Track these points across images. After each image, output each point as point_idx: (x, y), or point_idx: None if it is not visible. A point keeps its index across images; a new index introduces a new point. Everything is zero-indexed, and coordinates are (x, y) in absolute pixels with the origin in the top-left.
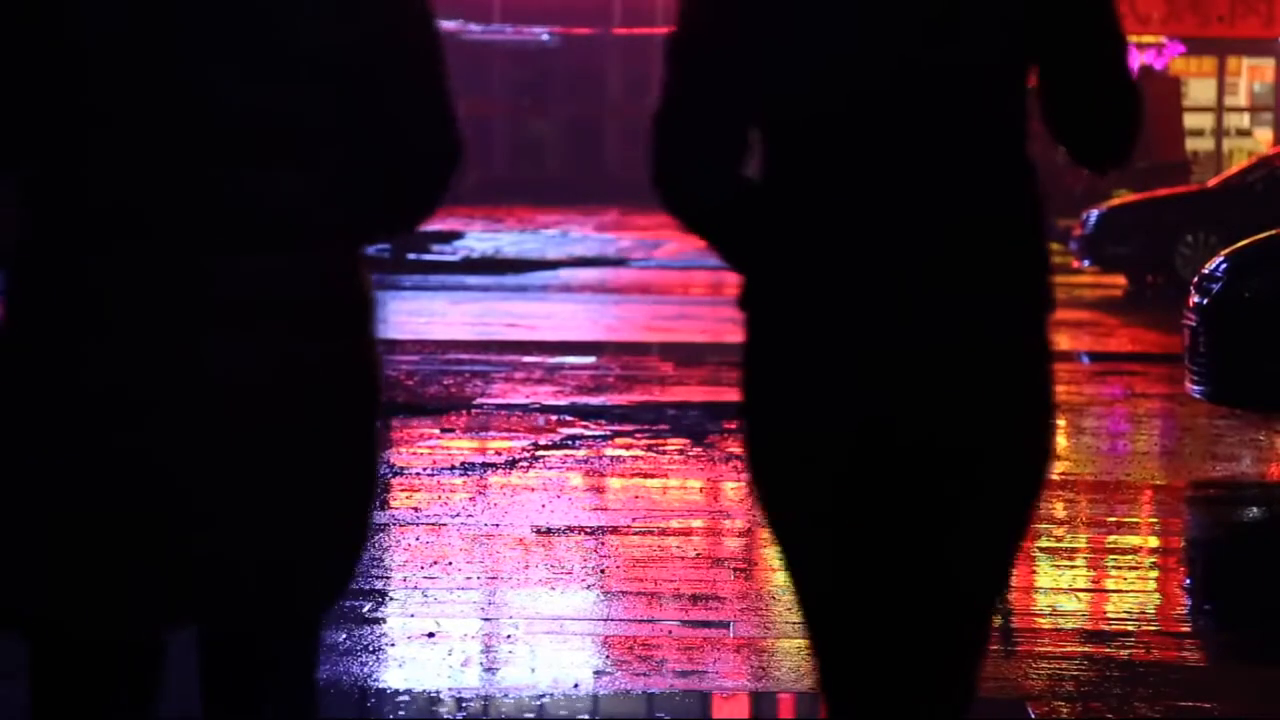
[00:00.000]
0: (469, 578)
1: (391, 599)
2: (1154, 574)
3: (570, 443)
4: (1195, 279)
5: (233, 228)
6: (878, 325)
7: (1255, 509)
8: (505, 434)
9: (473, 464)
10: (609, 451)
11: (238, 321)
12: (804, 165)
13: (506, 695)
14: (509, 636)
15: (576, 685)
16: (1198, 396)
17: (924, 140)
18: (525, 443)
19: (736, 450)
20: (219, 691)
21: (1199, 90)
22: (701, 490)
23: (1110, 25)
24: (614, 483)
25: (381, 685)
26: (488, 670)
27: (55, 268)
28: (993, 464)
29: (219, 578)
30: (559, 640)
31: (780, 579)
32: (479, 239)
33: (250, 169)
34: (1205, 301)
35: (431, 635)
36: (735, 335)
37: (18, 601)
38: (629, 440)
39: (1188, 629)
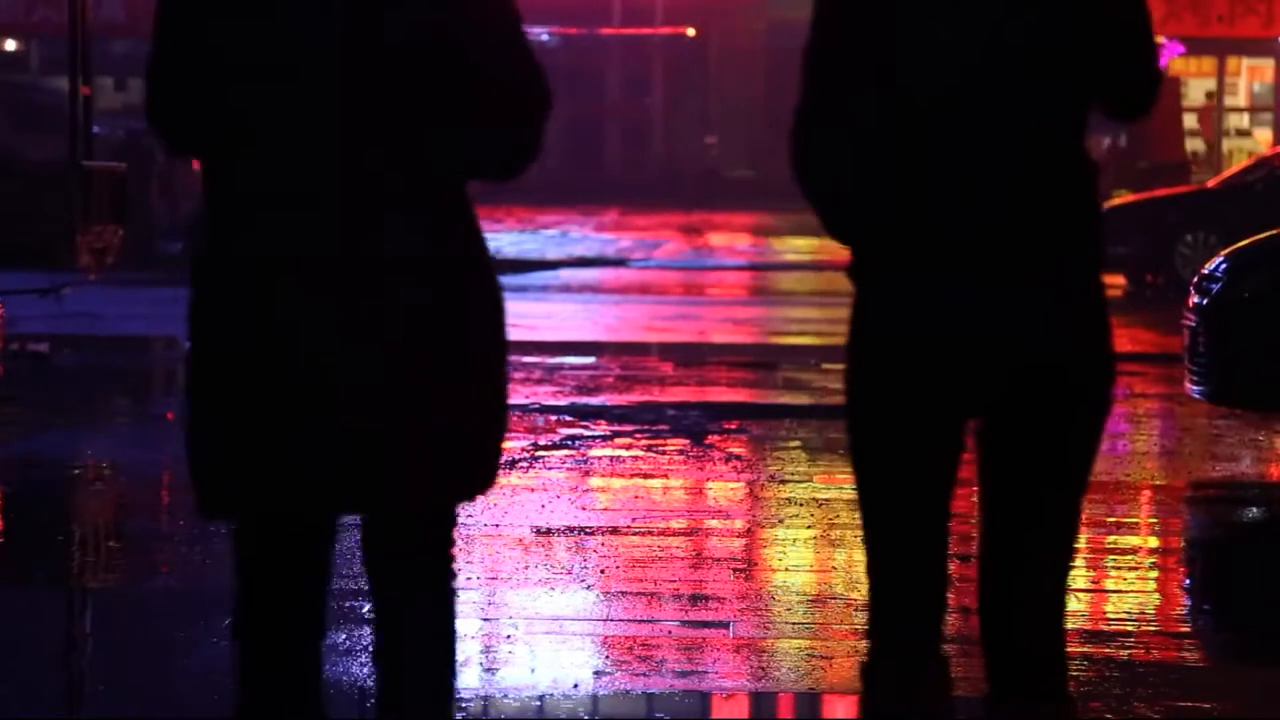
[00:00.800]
0: (469, 578)
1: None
2: (1154, 574)
3: (570, 443)
4: (1195, 279)
5: (376, 196)
6: (964, 287)
7: (1255, 509)
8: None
9: None
10: (609, 451)
11: (390, 266)
12: (914, 155)
13: (506, 695)
14: (509, 636)
15: (576, 685)
16: (1197, 396)
17: (1013, 127)
18: (525, 443)
19: (737, 450)
20: (378, 568)
21: (1199, 90)
22: (701, 490)
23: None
24: (614, 483)
25: None
26: (488, 670)
27: (240, 230)
28: (1077, 384)
29: (381, 474)
30: (559, 640)
31: (780, 579)
32: None
33: (382, 146)
34: (1205, 301)
35: None
36: (735, 335)
37: (229, 495)
38: (629, 440)
39: (1188, 629)
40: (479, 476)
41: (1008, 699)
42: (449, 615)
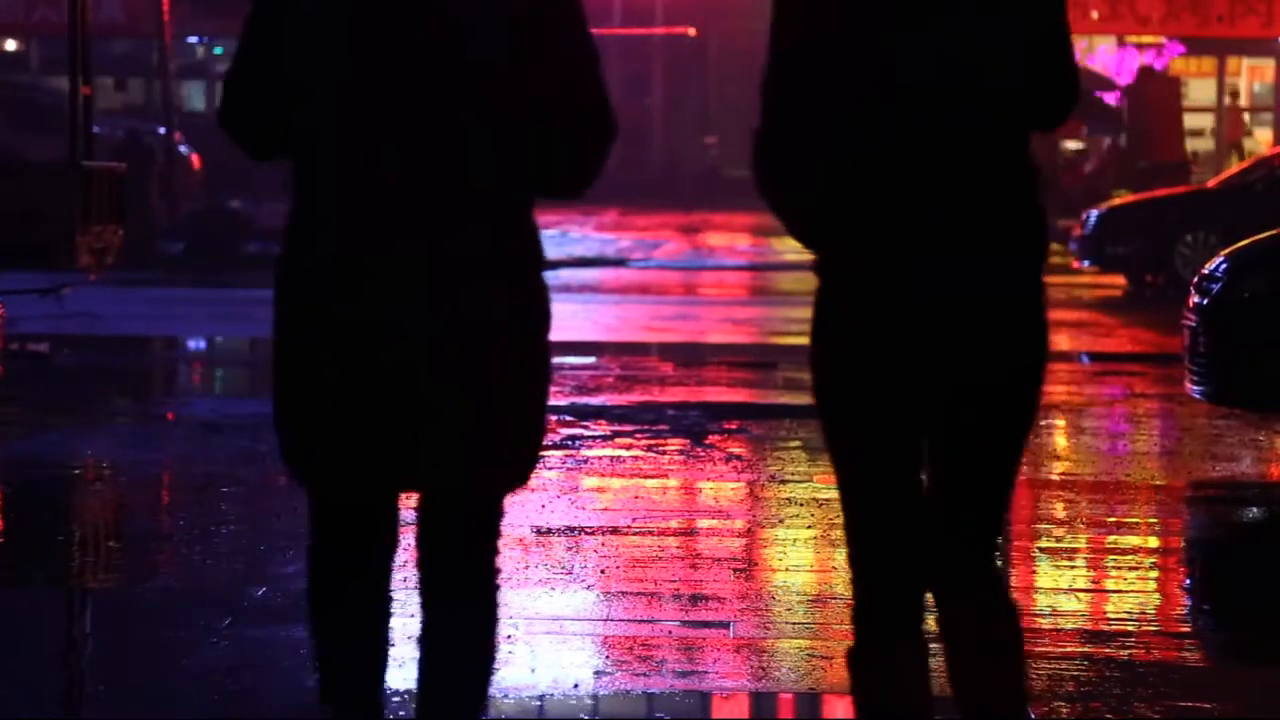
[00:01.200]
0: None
1: (391, 599)
2: (1154, 574)
3: (570, 443)
4: (1195, 279)
5: (454, 204)
6: (920, 279)
7: (1255, 509)
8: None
9: None
10: (609, 451)
11: (456, 268)
12: (863, 163)
13: (506, 695)
14: (509, 636)
15: (576, 685)
16: (1198, 396)
17: (952, 140)
18: None
19: (737, 450)
20: (431, 544)
21: (1199, 90)
22: (701, 490)
23: (1060, 22)
24: (614, 483)
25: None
26: None
27: (326, 229)
28: (1015, 367)
29: (446, 458)
30: (559, 640)
31: (780, 579)
32: None
33: (460, 160)
34: (1205, 301)
35: None
36: (735, 335)
37: (309, 475)
38: (629, 440)
39: (1188, 629)
40: (527, 466)
41: (947, 592)
42: (492, 594)
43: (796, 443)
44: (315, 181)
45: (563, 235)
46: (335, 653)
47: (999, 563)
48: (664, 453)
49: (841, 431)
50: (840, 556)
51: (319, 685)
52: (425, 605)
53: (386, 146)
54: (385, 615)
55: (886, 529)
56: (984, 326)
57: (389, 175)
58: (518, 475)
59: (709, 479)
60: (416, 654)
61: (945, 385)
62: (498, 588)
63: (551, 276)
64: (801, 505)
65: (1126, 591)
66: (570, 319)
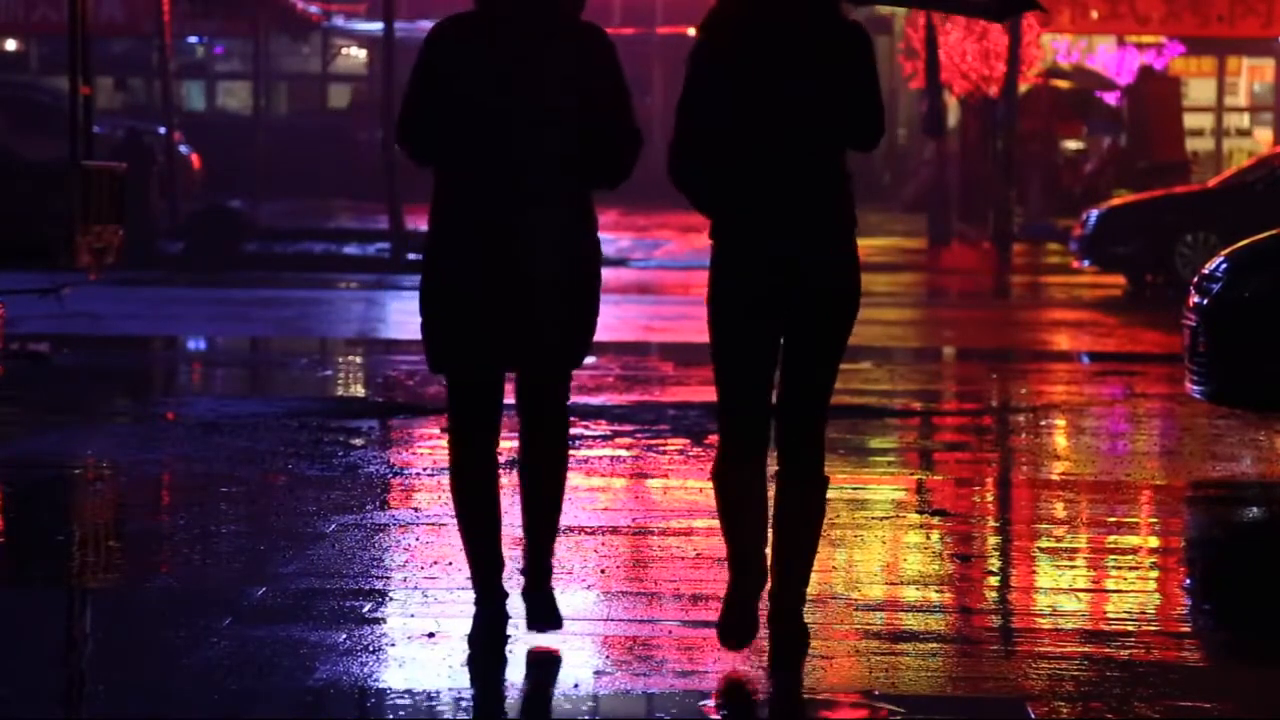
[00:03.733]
0: (469, 578)
1: (391, 599)
2: (1154, 574)
3: (570, 443)
4: (1195, 279)
5: (540, 191)
6: (772, 241)
7: (1255, 509)
8: (505, 434)
9: None
10: (609, 451)
11: (547, 225)
12: (731, 163)
13: (506, 695)
14: (509, 636)
15: (576, 685)
16: (1198, 396)
17: (792, 152)
18: None
19: None
20: (526, 405)
21: (1199, 90)
22: (702, 490)
23: (870, 80)
24: (614, 483)
25: (381, 685)
26: (488, 670)
27: (461, 206)
28: (833, 301)
29: (534, 348)
30: (559, 640)
31: None
32: None
33: (544, 163)
34: (1205, 301)
35: (431, 635)
36: None
37: (446, 359)
38: (629, 440)
39: (1188, 629)
40: (584, 354)
41: (787, 465)
42: (566, 429)
43: None
44: (461, 177)
45: None
46: (469, 503)
47: (825, 433)
48: (664, 453)
49: (718, 327)
50: (840, 556)
51: (459, 521)
52: (524, 440)
53: (503, 154)
54: (496, 477)
55: (745, 392)
56: (813, 274)
57: (505, 172)
58: (579, 359)
59: (709, 479)
60: (415, 655)
61: (790, 305)
62: (570, 424)
63: None
64: None
65: (1126, 591)
66: None
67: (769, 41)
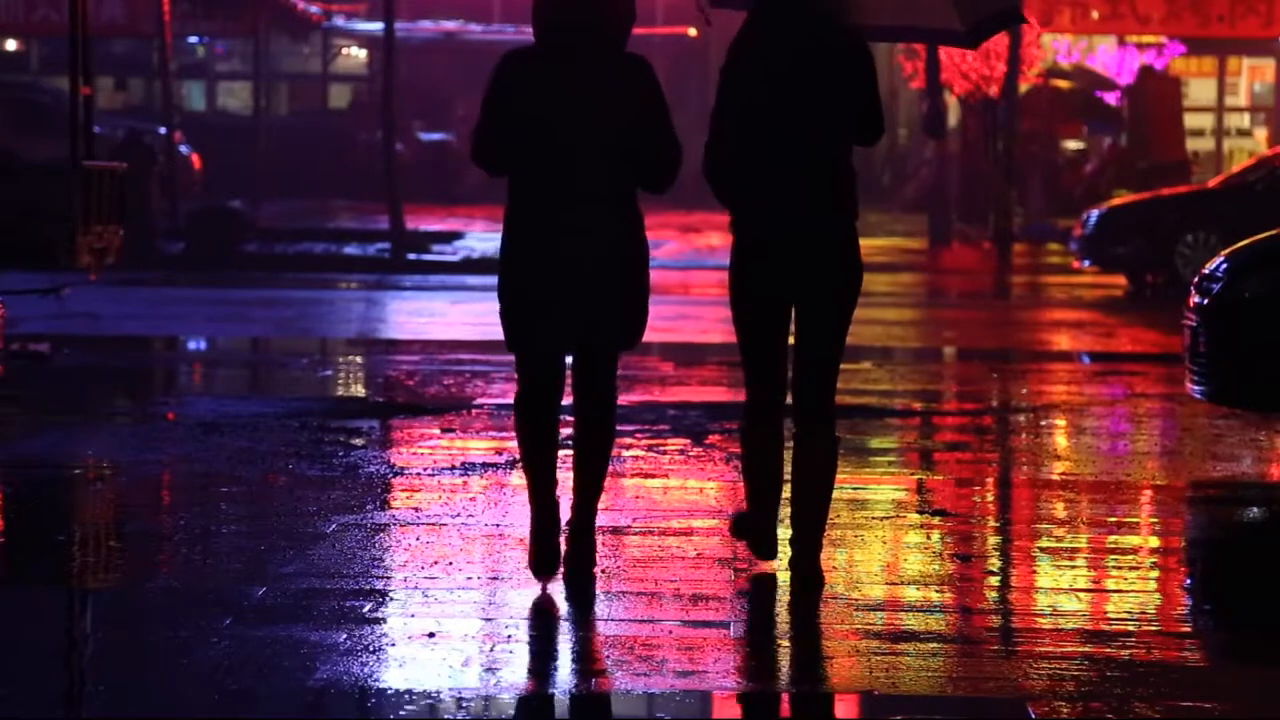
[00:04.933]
0: (469, 578)
1: (391, 599)
2: (1154, 574)
3: (570, 443)
4: (1195, 279)
5: (596, 196)
6: (787, 221)
7: (1255, 509)
8: (506, 434)
9: (473, 464)
10: None
11: (602, 227)
12: (751, 163)
13: (507, 695)
14: (509, 636)
15: (576, 685)
16: (1198, 396)
17: (804, 152)
18: None
19: (737, 450)
20: (580, 381)
21: (1199, 90)
22: (701, 490)
23: (872, 91)
24: (614, 483)
25: (381, 685)
26: (488, 670)
27: (531, 210)
28: (837, 277)
29: (591, 329)
30: (559, 640)
31: (780, 579)
32: (479, 239)
33: (599, 174)
34: (1205, 301)
35: (431, 635)
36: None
37: (519, 340)
38: (629, 440)
39: (1188, 629)
40: (636, 336)
41: (801, 426)
42: (614, 403)
43: None
44: (529, 187)
45: None
46: (534, 453)
47: (835, 411)
48: (664, 453)
49: (739, 303)
50: (841, 556)
51: (527, 475)
52: (579, 414)
53: (565, 167)
54: (557, 432)
55: (764, 362)
56: (820, 253)
57: (567, 182)
58: (632, 340)
59: (709, 479)
60: (415, 655)
61: (801, 285)
62: (616, 398)
63: None
64: None
65: (1126, 591)
66: None
67: (784, 58)
